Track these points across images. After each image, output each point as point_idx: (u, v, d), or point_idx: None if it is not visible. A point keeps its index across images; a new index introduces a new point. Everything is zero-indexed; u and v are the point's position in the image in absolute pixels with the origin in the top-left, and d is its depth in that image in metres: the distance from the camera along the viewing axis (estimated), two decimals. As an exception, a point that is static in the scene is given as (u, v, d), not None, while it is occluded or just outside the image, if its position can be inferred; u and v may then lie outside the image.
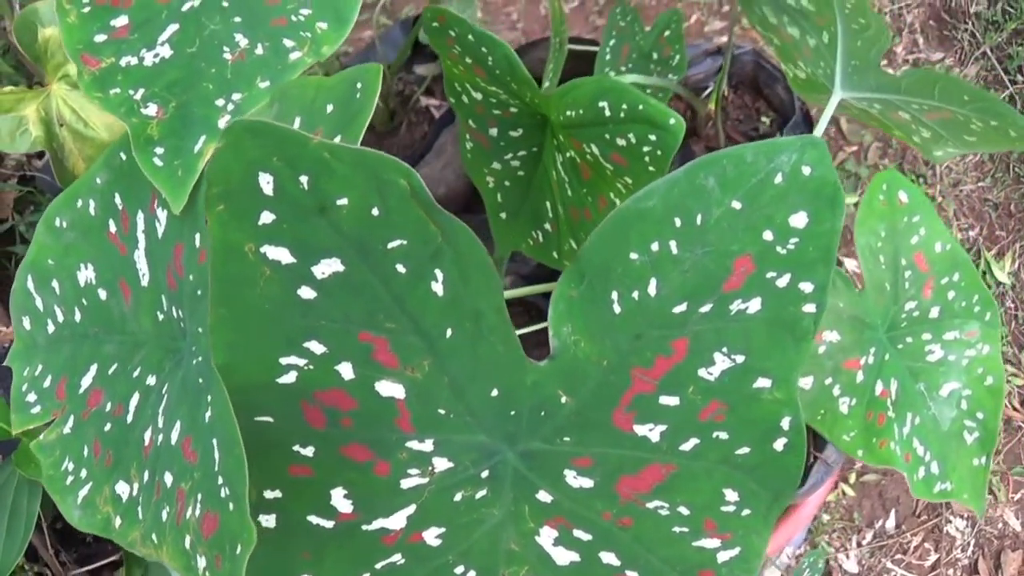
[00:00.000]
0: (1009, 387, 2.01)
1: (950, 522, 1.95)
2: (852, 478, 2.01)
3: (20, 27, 1.32)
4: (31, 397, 0.85)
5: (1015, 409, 1.99)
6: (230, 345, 0.65)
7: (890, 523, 1.97)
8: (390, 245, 0.64)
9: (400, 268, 0.65)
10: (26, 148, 1.43)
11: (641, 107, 0.82)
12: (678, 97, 1.47)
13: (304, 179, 0.60)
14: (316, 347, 0.66)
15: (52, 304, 0.86)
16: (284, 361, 0.66)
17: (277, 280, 0.63)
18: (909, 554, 1.92)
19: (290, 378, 0.67)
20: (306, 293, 0.64)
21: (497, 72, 0.91)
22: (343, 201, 0.61)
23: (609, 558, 0.77)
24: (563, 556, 0.77)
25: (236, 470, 0.61)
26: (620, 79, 1.13)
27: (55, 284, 0.86)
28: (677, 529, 0.77)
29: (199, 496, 0.66)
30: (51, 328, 0.86)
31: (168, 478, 0.70)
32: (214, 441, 0.66)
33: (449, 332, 0.68)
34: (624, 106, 0.84)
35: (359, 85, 0.71)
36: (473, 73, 0.94)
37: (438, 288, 0.66)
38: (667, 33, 1.28)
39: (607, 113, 0.85)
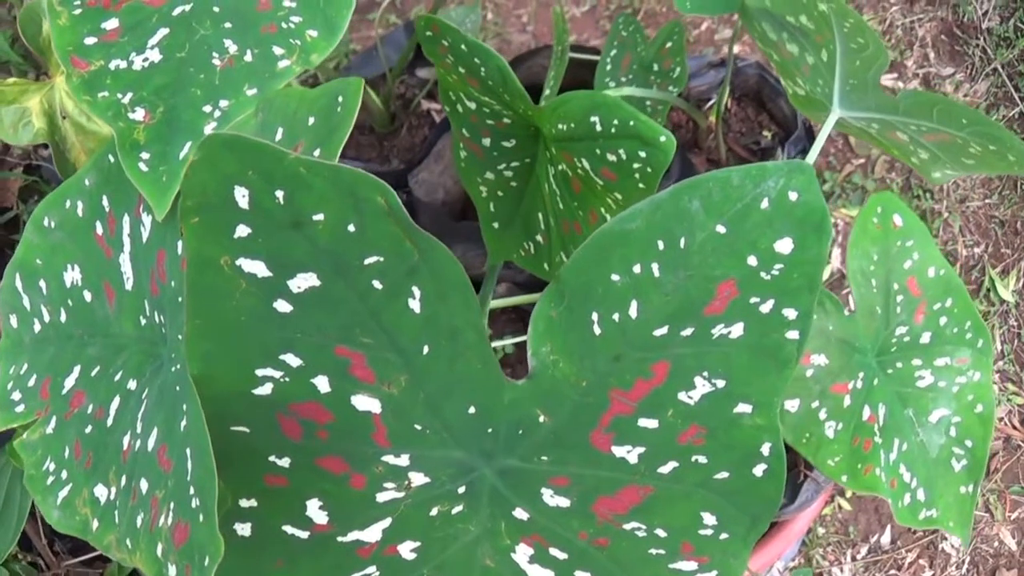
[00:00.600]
0: (1009, 406, 1.99)
1: (946, 539, 1.93)
2: (848, 492, 2.00)
3: (25, 20, 1.32)
4: (15, 395, 0.85)
5: (1015, 428, 1.98)
6: (206, 356, 0.64)
7: (885, 538, 1.96)
8: (366, 261, 0.63)
9: (376, 284, 0.64)
10: (29, 140, 1.43)
11: (632, 123, 0.82)
12: (680, 109, 1.46)
13: (280, 194, 0.59)
14: (292, 360, 0.66)
15: (39, 303, 0.86)
16: (260, 373, 0.66)
17: (253, 293, 0.63)
18: (904, 570, 1.91)
19: (266, 390, 0.67)
20: (282, 307, 0.64)
21: (490, 83, 0.91)
22: (319, 216, 0.61)
23: (585, 578, 0.77)
24: (538, 574, 0.77)
25: (206, 482, 0.60)
26: (615, 93, 1.12)
27: (42, 284, 0.85)
28: (654, 551, 0.77)
29: (171, 505, 0.66)
30: (37, 327, 0.86)
31: (144, 484, 0.70)
32: (187, 451, 0.65)
33: (426, 349, 0.68)
34: (615, 121, 0.83)
35: (340, 99, 0.70)
36: (466, 83, 0.94)
37: (415, 305, 0.65)
38: (669, 45, 1.27)
39: (598, 128, 0.85)
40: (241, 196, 0.59)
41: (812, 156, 0.96)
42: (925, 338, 0.96)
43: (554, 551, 0.76)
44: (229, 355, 0.65)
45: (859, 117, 1.00)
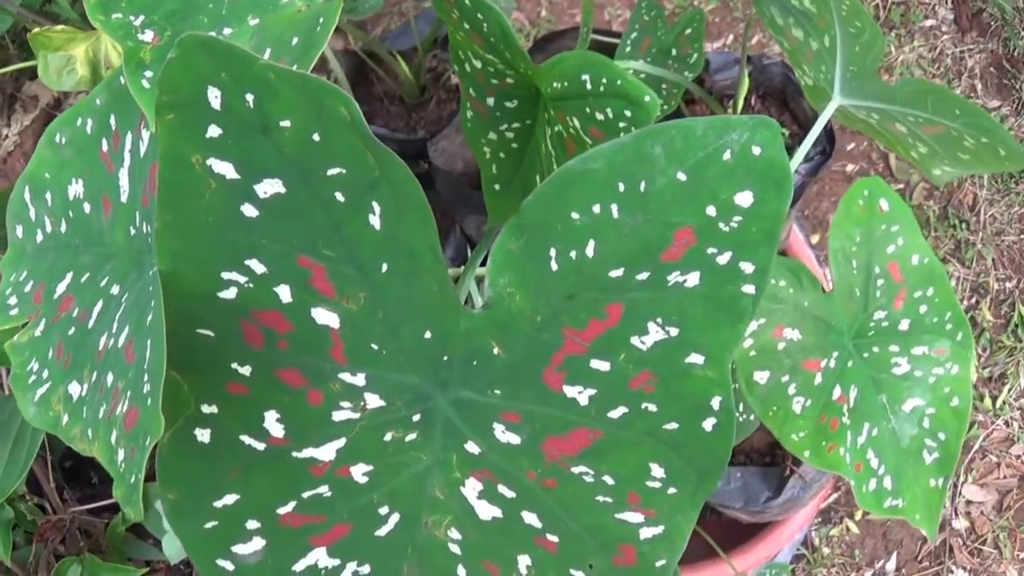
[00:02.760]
0: (1029, 445, 1.97)
1: (952, 572, 1.91)
2: (858, 515, 1.98)
3: (75, -32, 1.39)
4: (12, 300, 0.90)
5: (1034, 467, 1.95)
6: (174, 253, 0.68)
7: (891, 565, 1.94)
8: (330, 172, 0.66)
9: (339, 196, 0.67)
10: (71, 86, 1.50)
11: (619, 82, 0.84)
12: (704, 103, 1.47)
13: (250, 97, 0.63)
14: (256, 266, 0.69)
15: (43, 215, 0.90)
16: (225, 276, 0.69)
17: (221, 194, 0.66)
18: (906, 598, 1.90)
19: (231, 294, 0.70)
20: (249, 211, 0.67)
21: (491, 40, 0.94)
22: (286, 123, 0.64)
23: (531, 519, 0.79)
24: (486, 510, 0.79)
25: (157, 366, 0.64)
26: (629, 65, 1.15)
27: (48, 196, 0.90)
28: (601, 498, 0.78)
29: (128, 393, 0.69)
30: (39, 237, 0.91)
31: (110, 378, 0.74)
32: (148, 342, 0.69)
33: (384, 267, 0.70)
34: (604, 80, 0.85)
35: (321, 20, 0.74)
36: (471, 40, 0.97)
37: (375, 221, 0.68)
38: (688, 32, 1.30)
39: (588, 86, 0.87)
40: (214, 96, 0.63)
41: (810, 139, 0.97)
42: (904, 325, 0.97)
43: (502, 488, 0.78)
44: (197, 254, 0.68)
45: (859, 106, 1.02)
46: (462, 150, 1.46)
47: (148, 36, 0.82)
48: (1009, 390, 2.01)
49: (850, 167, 2.25)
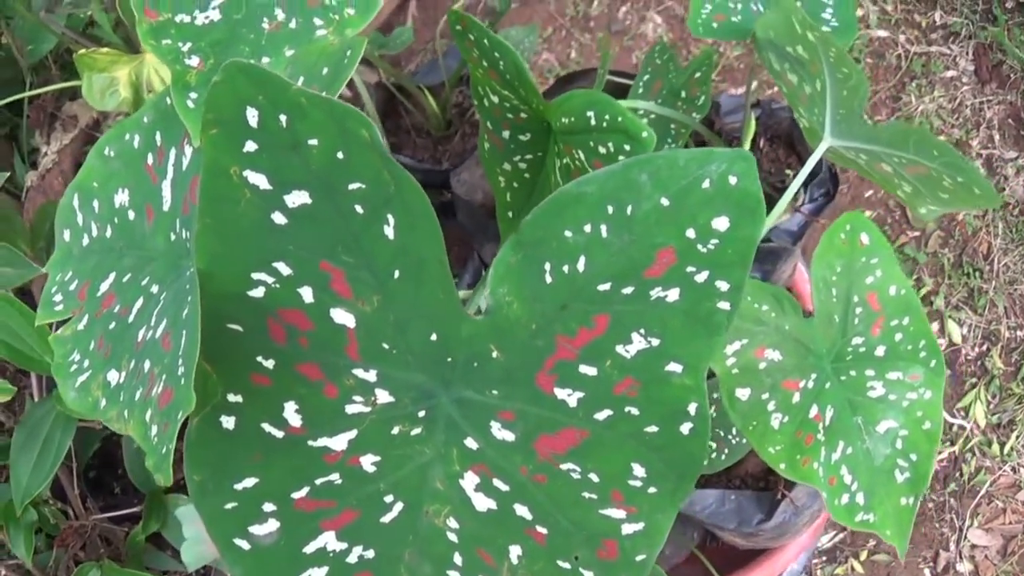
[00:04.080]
0: (1032, 490, 2.04)
1: (950, 617, 1.98)
2: (863, 555, 2.06)
3: (124, -2, 1.52)
4: (57, 297, 1.01)
5: (1038, 515, 2.02)
6: (211, 253, 0.78)
7: (893, 606, 2.00)
8: (350, 186, 0.77)
9: (358, 208, 0.78)
10: (113, 107, 1.62)
11: (620, 119, 0.95)
12: (711, 143, 1.57)
13: (283, 118, 0.74)
14: (283, 268, 0.80)
15: (90, 221, 1.02)
16: (255, 276, 0.80)
17: (255, 202, 0.77)
18: (905, 642, 1.96)
19: (259, 292, 0.81)
20: (278, 218, 0.78)
21: (507, 77, 1.05)
22: (314, 142, 0.75)
23: (523, 511, 0.88)
24: (482, 502, 0.89)
25: (191, 351, 0.74)
26: (641, 105, 1.25)
27: (95, 203, 1.01)
28: (586, 494, 0.88)
29: (164, 376, 0.80)
30: (86, 241, 1.02)
31: (147, 365, 0.84)
32: (184, 332, 0.80)
33: (397, 273, 0.81)
34: (607, 116, 0.96)
35: (348, 52, 0.85)
36: (489, 76, 1.08)
37: (389, 232, 0.79)
38: (698, 75, 1.41)
39: (592, 122, 0.98)
40: (252, 116, 0.74)
41: (802, 175, 1.07)
42: (880, 351, 1.06)
43: (497, 482, 0.88)
44: (231, 255, 0.79)
45: (849, 146, 1.11)
46: (482, 182, 1.58)
47: (194, 61, 0.93)
48: (1017, 436, 2.09)
49: (867, 213, 2.34)
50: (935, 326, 2.21)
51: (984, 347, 2.18)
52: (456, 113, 1.76)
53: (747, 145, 1.48)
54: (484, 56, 1.06)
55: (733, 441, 1.23)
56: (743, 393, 0.99)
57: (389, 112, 1.80)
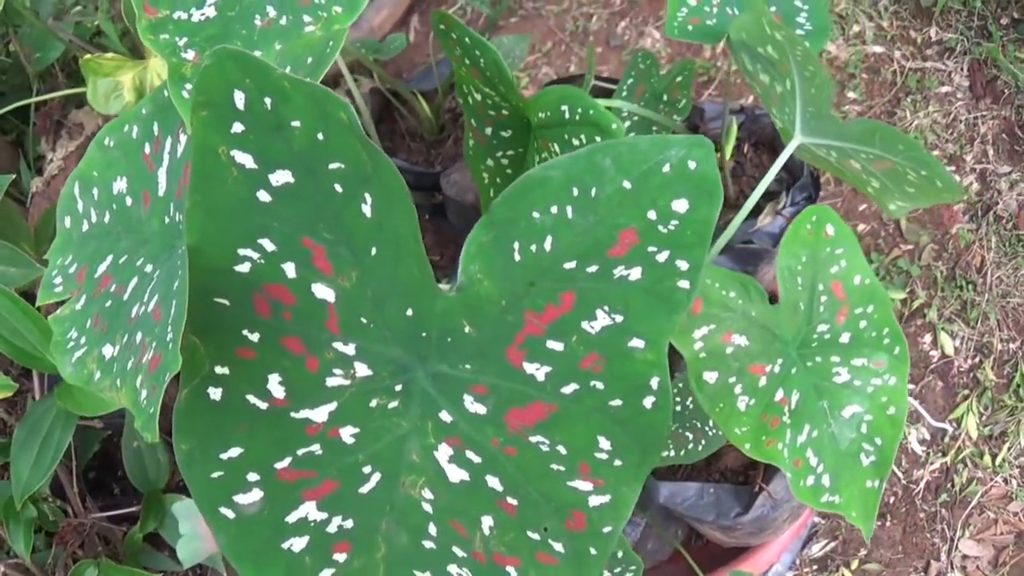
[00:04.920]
0: (1026, 502, 2.09)
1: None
2: (854, 564, 2.10)
3: (129, 4, 1.60)
4: (57, 280, 1.08)
5: (1030, 524, 2.06)
6: (200, 229, 0.85)
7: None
8: (330, 166, 0.84)
9: (338, 187, 0.85)
10: (117, 110, 1.70)
11: (591, 112, 1.02)
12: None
13: (268, 100, 0.81)
14: (268, 244, 0.86)
15: (90, 207, 1.09)
16: (241, 252, 0.86)
17: (241, 180, 0.84)
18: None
19: (245, 268, 0.87)
20: (263, 196, 0.85)
21: (488, 74, 1.12)
22: (296, 123, 0.82)
23: (494, 482, 0.94)
24: (455, 473, 0.94)
25: (179, 318, 0.81)
26: (621, 105, 1.32)
27: (95, 191, 1.08)
28: (555, 466, 0.93)
29: (154, 344, 0.86)
30: (85, 227, 1.09)
31: (139, 336, 0.91)
32: (173, 303, 0.86)
33: (374, 250, 0.88)
34: (579, 110, 1.03)
35: (330, 43, 0.92)
36: (472, 75, 1.15)
37: (367, 210, 0.86)
38: (679, 79, 1.47)
39: (566, 115, 1.05)
40: (239, 99, 0.81)
41: (773, 171, 1.14)
42: (844, 338, 1.12)
43: (470, 454, 0.94)
44: (218, 231, 0.85)
45: (819, 144, 1.18)
46: (473, 184, 1.64)
47: (190, 55, 1.00)
48: (1009, 448, 2.13)
49: (861, 226, 2.40)
50: (928, 338, 2.26)
51: (976, 359, 2.23)
52: (449, 118, 1.83)
53: (729, 148, 1.55)
54: (466, 54, 1.13)
55: (710, 432, 1.29)
56: (711, 376, 1.04)
57: (384, 117, 1.87)
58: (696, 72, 2.58)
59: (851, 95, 2.51)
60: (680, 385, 1.30)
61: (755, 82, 1.23)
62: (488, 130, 1.21)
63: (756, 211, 1.65)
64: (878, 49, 2.57)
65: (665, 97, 1.47)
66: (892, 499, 2.14)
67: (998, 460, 2.13)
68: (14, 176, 2.03)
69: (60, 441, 1.55)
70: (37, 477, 1.54)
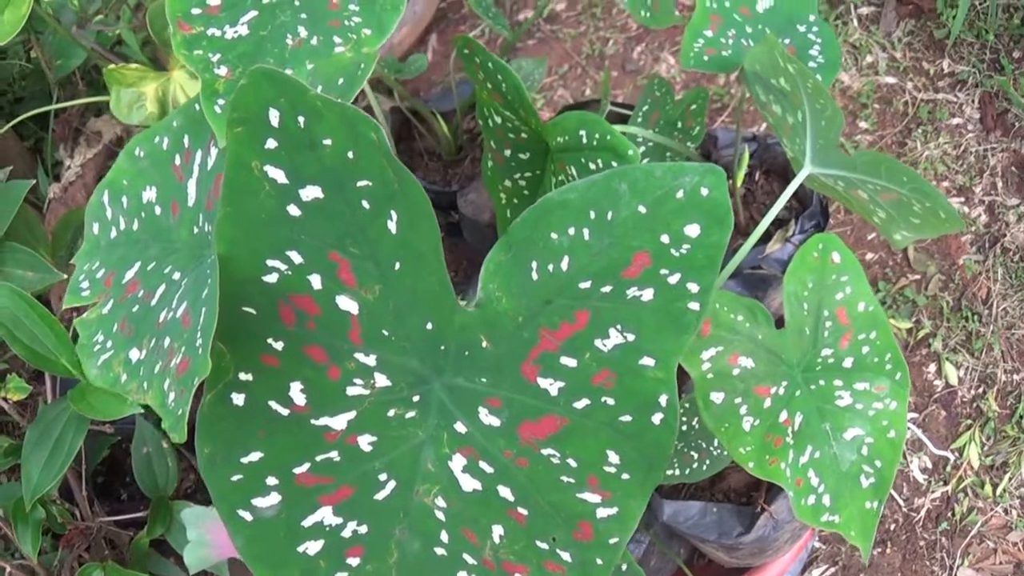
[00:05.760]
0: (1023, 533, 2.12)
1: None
2: (853, 590, 2.13)
3: (154, 15, 1.65)
4: (84, 284, 1.12)
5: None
6: (231, 240, 0.90)
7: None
8: (359, 184, 0.88)
9: (365, 204, 0.89)
10: (139, 121, 1.75)
11: (608, 137, 1.06)
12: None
13: (301, 119, 0.86)
14: (295, 257, 0.91)
15: (119, 215, 1.14)
16: (270, 263, 0.91)
17: (273, 195, 0.88)
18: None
19: (272, 278, 0.92)
20: (293, 210, 0.89)
21: (509, 98, 1.17)
22: (328, 142, 0.87)
23: (506, 492, 0.98)
24: (469, 483, 0.99)
25: (209, 325, 0.85)
26: (638, 131, 1.37)
27: (124, 199, 1.13)
28: (565, 478, 0.98)
29: (183, 349, 0.91)
30: (113, 234, 1.14)
31: (167, 341, 0.96)
32: (203, 310, 0.91)
33: (397, 265, 0.92)
34: (596, 135, 1.08)
35: (362, 66, 0.97)
36: (493, 98, 1.20)
37: (392, 226, 0.90)
38: (693, 107, 1.52)
39: (584, 140, 1.09)
40: (274, 116, 0.85)
41: (783, 200, 1.18)
42: (848, 363, 1.16)
43: (483, 464, 0.98)
44: (248, 242, 0.90)
45: (828, 174, 1.23)
46: (489, 203, 1.69)
47: (223, 71, 1.05)
48: (1010, 479, 2.17)
49: (869, 255, 2.44)
50: (932, 368, 2.31)
51: (980, 389, 2.27)
52: (467, 139, 1.88)
53: (740, 176, 1.59)
54: (488, 78, 1.18)
55: (715, 452, 1.33)
56: (717, 396, 1.09)
57: (403, 136, 1.92)
58: (710, 99, 2.64)
59: (863, 124, 2.56)
60: (687, 405, 1.34)
61: (767, 112, 1.28)
62: (507, 152, 1.26)
63: (766, 237, 1.70)
64: (891, 80, 2.62)
65: (679, 124, 1.52)
66: (893, 526, 2.17)
67: (999, 490, 2.17)
68: (34, 182, 2.08)
69: (72, 444, 1.58)
70: (47, 479, 1.57)
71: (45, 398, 1.84)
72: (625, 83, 2.69)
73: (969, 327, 2.32)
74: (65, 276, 1.40)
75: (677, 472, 1.34)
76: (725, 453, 1.33)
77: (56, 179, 2.35)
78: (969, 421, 2.25)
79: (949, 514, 2.17)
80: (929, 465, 2.22)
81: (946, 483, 2.20)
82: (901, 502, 2.19)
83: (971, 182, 2.46)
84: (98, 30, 2.25)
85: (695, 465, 1.33)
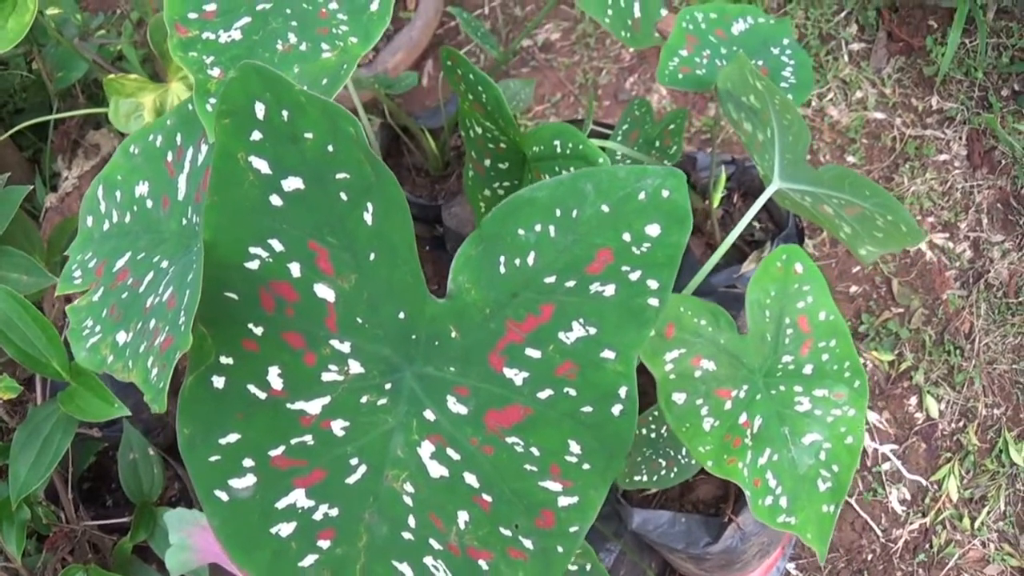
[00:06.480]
0: (1003, 566, 2.17)
1: None
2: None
3: (155, 28, 1.73)
4: (76, 273, 1.19)
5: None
6: (216, 227, 0.97)
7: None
8: (338, 176, 0.96)
9: (343, 195, 0.96)
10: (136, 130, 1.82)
11: (580, 146, 1.14)
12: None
13: (285, 113, 0.93)
14: (276, 245, 0.98)
15: (112, 208, 1.21)
16: (252, 250, 0.98)
17: (257, 184, 0.95)
18: None
19: (254, 265, 0.98)
20: (275, 200, 0.96)
21: (489, 109, 1.24)
22: (309, 135, 0.94)
23: (471, 479, 1.04)
24: (436, 469, 1.05)
25: (191, 303, 0.92)
26: (615, 146, 1.45)
27: (117, 194, 1.20)
28: (528, 467, 1.04)
29: (167, 328, 0.97)
30: (106, 226, 1.21)
31: (152, 323, 1.02)
32: (187, 291, 0.97)
33: (372, 256, 0.99)
34: (570, 144, 1.15)
35: (344, 65, 1.05)
36: (474, 109, 1.28)
37: (368, 218, 0.97)
38: (671, 127, 1.60)
39: (558, 149, 1.17)
40: (259, 109, 0.93)
41: (751, 213, 1.26)
42: (807, 369, 1.22)
43: (450, 451, 1.04)
44: (232, 229, 0.97)
45: (795, 189, 1.30)
46: (472, 217, 1.77)
47: (215, 72, 1.13)
48: (988, 512, 2.22)
49: (853, 288, 2.52)
50: (913, 400, 2.37)
51: (961, 423, 2.33)
52: (453, 156, 1.96)
53: (717, 197, 1.67)
54: (470, 89, 1.25)
55: (683, 461, 1.39)
56: (679, 397, 1.15)
57: (392, 151, 2.00)
58: (699, 131, 2.73)
59: (851, 159, 2.64)
60: (655, 414, 1.41)
61: (740, 130, 1.36)
62: (487, 162, 1.33)
63: (741, 258, 1.77)
64: (879, 115, 2.70)
65: (657, 143, 1.60)
66: (870, 556, 2.23)
67: (977, 523, 2.22)
68: (32, 187, 2.16)
69: (60, 445, 1.62)
70: (34, 478, 1.62)
71: (35, 403, 1.89)
72: (616, 112, 2.77)
73: (951, 361, 2.39)
74: (66, 253, 1.46)
75: (645, 478, 1.40)
76: (693, 461, 1.39)
77: (53, 189, 2.43)
78: (949, 454, 2.31)
79: (927, 546, 2.23)
80: (908, 496, 2.28)
81: (924, 515, 2.26)
82: (879, 532, 2.25)
83: (956, 218, 2.54)
84: (100, 44, 2.34)
85: (663, 472, 1.39)
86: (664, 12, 1.46)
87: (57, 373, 1.45)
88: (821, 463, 1.20)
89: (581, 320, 1.00)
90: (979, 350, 2.39)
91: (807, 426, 1.21)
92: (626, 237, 0.99)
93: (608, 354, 1.01)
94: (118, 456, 1.81)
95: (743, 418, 1.18)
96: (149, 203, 1.17)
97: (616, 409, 1.02)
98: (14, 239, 1.82)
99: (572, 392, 1.02)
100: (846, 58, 2.80)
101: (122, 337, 1.08)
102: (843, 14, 2.86)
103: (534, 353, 1.01)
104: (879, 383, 2.39)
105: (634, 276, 0.99)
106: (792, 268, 1.22)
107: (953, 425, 2.34)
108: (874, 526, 2.26)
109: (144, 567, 1.82)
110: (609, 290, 1.00)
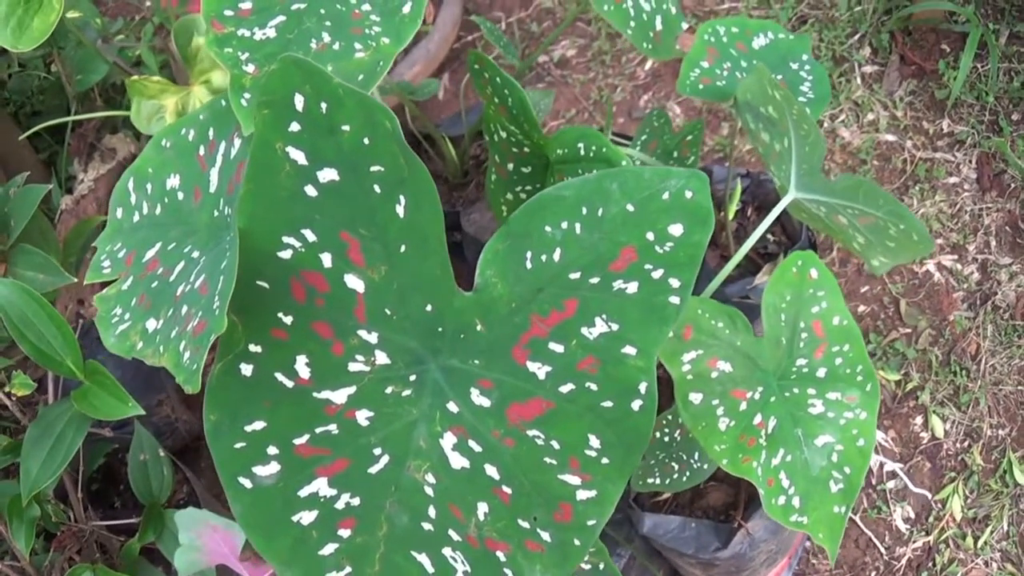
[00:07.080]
0: (1008, 587, 2.20)
1: None
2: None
3: (179, 31, 1.77)
4: (106, 263, 1.22)
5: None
6: (250, 215, 1.00)
7: None
8: (372, 168, 0.99)
9: (377, 188, 1.00)
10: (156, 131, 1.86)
11: (604, 149, 1.17)
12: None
13: (323, 105, 0.96)
14: (309, 235, 1.01)
15: (142, 201, 1.24)
16: (285, 239, 1.01)
17: (293, 175, 0.99)
18: None
19: (287, 254, 1.02)
20: (310, 191, 1.00)
21: (514, 112, 1.28)
22: (346, 128, 0.97)
23: (492, 471, 1.07)
24: (458, 461, 1.07)
25: (227, 288, 0.95)
26: (635, 154, 1.49)
27: (148, 186, 1.24)
28: (548, 460, 1.07)
29: (200, 313, 1.01)
30: (136, 218, 1.24)
31: (184, 309, 1.05)
32: (220, 278, 1.01)
33: (403, 248, 1.02)
34: (593, 147, 1.19)
35: (380, 63, 1.09)
36: (499, 113, 1.31)
37: (400, 210, 1.01)
38: (689, 138, 1.64)
39: (581, 152, 1.20)
40: (299, 101, 0.96)
41: (766, 223, 1.29)
42: (821, 373, 1.26)
43: (472, 443, 1.07)
44: (267, 218, 1.00)
45: (810, 199, 1.33)
46: (491, 224, 1.80)
47: (250, 68, 1.17)
48: (991, 532, 2.25)
49: (862, 308, 2.55)
50: (919, 420, 2.40)
51: (966, 443, 2.36)
52: (473, 164, 2.00)
53: (732, 209, 1.71)
54: (496, 93, 1.29)
55: (695, 465, 1.42)
56: (696, 397, 1.18)
57: (411, 158, 2.04)
58: (713, 149, 2.77)
59: (861, 180, 2.68)
60: (669, 417, 1.44)
61: (757, 141, 1.39)
62: (510, 166, 1.37)
63: (755, 270, 1.81)
64: (891, 138, 2.75)
65: (675, 154, 1.64)
66: (874, 573, 2.25)
67: (980, 543, 2.25)
68: (50, 187, 2.19)
69: (72, 443, 1.64)
70: (45, 475, 1.64)
71: (46, 402, 1.91)
72: (630, 129, 2.82)
73: (957, 382, 2.42)
74: (75, 279, 1.49)
75: (658, 481, 1.43)
76: (705, 466, 1.42)
77: (68, 192, 2.46)
78: (953, 474, 2.34)
79: (930, 564, 2.25)
80: (912, 515, 2.31)
81: (928, 533, 2.28)
82: (883, 550, 2.27)
83: (965, 240, 2.58)
84: (120, 48, 2.38)
85: (675, 476, 1.42)
86: (684, 26, 1.50)
87: (71, 371, 1.47)
88: (833, 464, 1.23)
89: (604, 316, 1.04)
90: (985, 371, 2.42)
91: (820, 428, 1.24)
92: (650, 236, 1.02)
93: (629, 350, 1.04)
94: (128, 456, 1.82)
95: (758, 419, 1.21)
96: (180, 195, 1.20)
97: (636, 404, 1.04)
98: (31, 238, 1.85)
99: (593, 387, 1.05)
100: (859, 80, 2.84)
101: (152, 324, 1.11)
102: (857, 37, 2.90)
103: (557, 347, 1.05)
104: (886, 402, 2.42)
105: (656, 274, 1.03)
106: (807, 273, 1.26)
107: (958, 445, 2.37)
108: (878, 543, 2.28)
109: (151, 569, 1.83)
110: (632, 287, 1.03)
